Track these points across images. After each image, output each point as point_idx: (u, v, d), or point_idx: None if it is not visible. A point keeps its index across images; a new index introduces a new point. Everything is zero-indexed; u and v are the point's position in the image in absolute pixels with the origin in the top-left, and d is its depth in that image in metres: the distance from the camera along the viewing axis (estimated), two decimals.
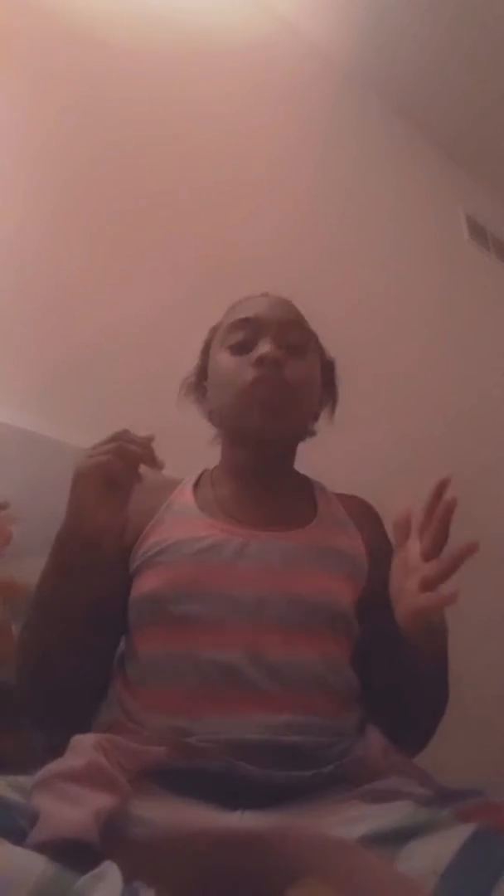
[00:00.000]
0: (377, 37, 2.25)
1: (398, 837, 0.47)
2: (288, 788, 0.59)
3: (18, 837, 0.44)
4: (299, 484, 0.91)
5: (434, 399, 2.07)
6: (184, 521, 0.80)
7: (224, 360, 0.85)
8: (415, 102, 2.47)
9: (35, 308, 1.31)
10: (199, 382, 0.94)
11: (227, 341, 0.86)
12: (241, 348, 0.84)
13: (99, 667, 0.75)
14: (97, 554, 0.66)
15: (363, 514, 0.89)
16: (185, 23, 1.90)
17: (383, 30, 2.23)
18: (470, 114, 2.52)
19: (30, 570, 0.75)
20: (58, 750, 0.55)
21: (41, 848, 0.43)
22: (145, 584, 0.75)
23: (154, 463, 0.66)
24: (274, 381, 0.80)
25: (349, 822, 0.51)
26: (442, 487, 0.65)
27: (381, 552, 0.81)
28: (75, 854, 0.42)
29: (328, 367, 0.95)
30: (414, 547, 0.65)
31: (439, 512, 0.64)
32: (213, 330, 0.94)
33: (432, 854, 0.45)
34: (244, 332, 0.85)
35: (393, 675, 0.73)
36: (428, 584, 0.61)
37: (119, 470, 0.65)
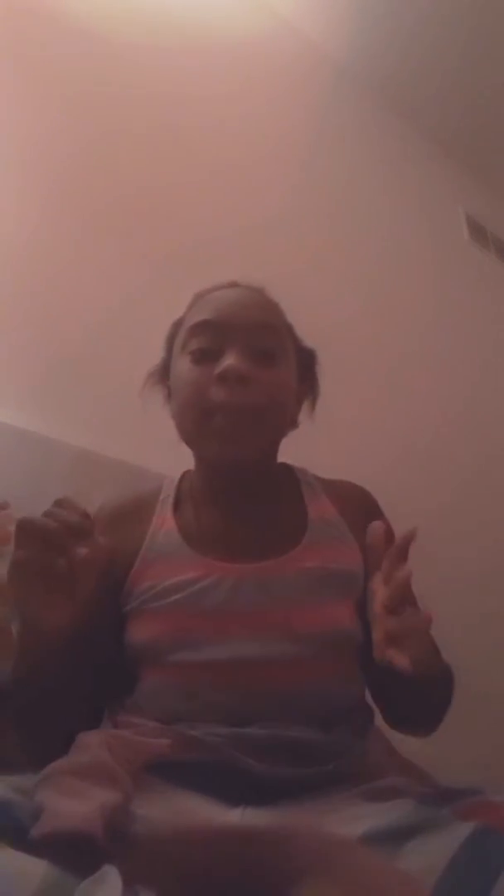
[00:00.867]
0: (375, 34, 2.26)
1: (398, 836, 0.47)
2: (290, 785, 0.59)
3: (20, 836, 0.44)
4: (284, 489, 0.83)
5: (434, 399, 2.07)
6: (172, 559, 0.74)
7: (184, 369, 0.76)
8: (414, 101, 2.47)
9: (33, 307, 1.31)
10: (164, 380, 0.85)
11: (189, 346, 0.77)
12: (203, 356, 0.75)
13: (91, 703, 0.72)
14: (67, 645, 0.60)
15: (356, 507, 0.82)
16: (181, 19, 1.90)
17: (381, 26, 2.23)
18: (470, 113, 2.52)
19: None
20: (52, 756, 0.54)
21: (44, 840, 0.43)
22: (140, 632, 0.72)
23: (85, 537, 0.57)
24: (236, 408, 0.71)
25: (350, 820, 0.51)
26: (408, 541, 0.62)
27: None
28: (78, 849, 0.42)
29: (307, 359, 0.86)
30: (379, 590, 0.62)
31: (400, 577, 0.60)
32: (176, 325, 0.84)
33: (432, 852, 0.45)
34: (207, 338, 0.75)
35: (386, 685, 0.73)
36: (393, 640, 0.59)
37: (44, 560, 0.56)
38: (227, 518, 0.78)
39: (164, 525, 0.78)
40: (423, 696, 0.70)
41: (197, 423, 0.74)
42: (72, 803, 0.46)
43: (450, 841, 0.45)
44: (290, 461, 0.88)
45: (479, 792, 0.51)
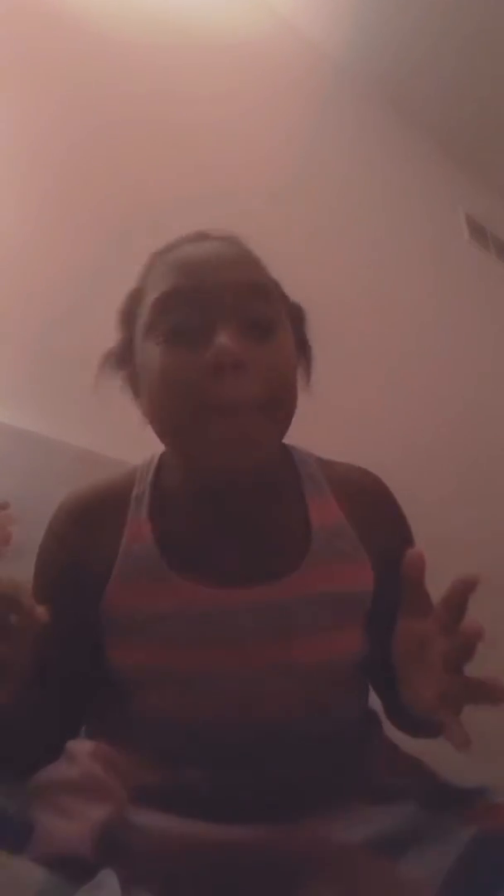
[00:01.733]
0: (374, 33, 2.25)
1: (401, 840, 0.47)
2: (290, 794, 0.57)
3: (20, 844, 0.44)
4: (284, 489, 0.68)
5: (434, 399, 2.07)
6: (151, 583, 0.62)
7: (159, 356, 0.58)
8: (413, 101, 2.47)
9: (33, 307, 1.31)
10: (124, 365, 0.70)
11: (158, 325, 0.59)
12: (181, 336, 0.58)
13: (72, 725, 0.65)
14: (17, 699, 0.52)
15: (367, 507, 0.68)
16: (180, 18, 1.90)
17: (380, 25, 2.23)
18: (470, 113, 2.52)
19: (30, 570, 0.75)
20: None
21: (38, 862, 0.42)
22: (121, 657, 0.63)
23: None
24: (243, 404, 0.56)
25: (352, 824, 0.50)
26: (468, 589, 0.50)
27: (391, 549, 0.63)
28: (72, 867, 0.42)
29: (296, 318, 0.69)
30: (436, 641, 0.51)
31: (471, 633, 0.49)
32: (134, 297, 0.68)
33: (435, 858, 0.44)
34: (184, 312, 0.58)
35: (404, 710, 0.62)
36: (450, 704, 0.49)
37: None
38: (215, 530, 0.64)
39: (139, 535, 0.64)
40: None
41: (188, 425, 0.58)
42: (62, 824, 0.46)
43: (454, 846, 0.44)
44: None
45: (485, 791, 0.51)
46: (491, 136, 2.61)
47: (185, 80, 1.82)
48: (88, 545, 0.64)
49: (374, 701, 0.74)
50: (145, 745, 0.58)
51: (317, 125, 2.18)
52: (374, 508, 0.69)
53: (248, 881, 0.45)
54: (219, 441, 0.56)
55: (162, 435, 0.63)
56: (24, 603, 0.48)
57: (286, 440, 0.67)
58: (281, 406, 0.60)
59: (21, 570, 0.95)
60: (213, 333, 0.56)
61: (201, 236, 0.66)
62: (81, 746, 0.55)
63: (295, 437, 0.78)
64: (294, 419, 0.63)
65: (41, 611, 0.48)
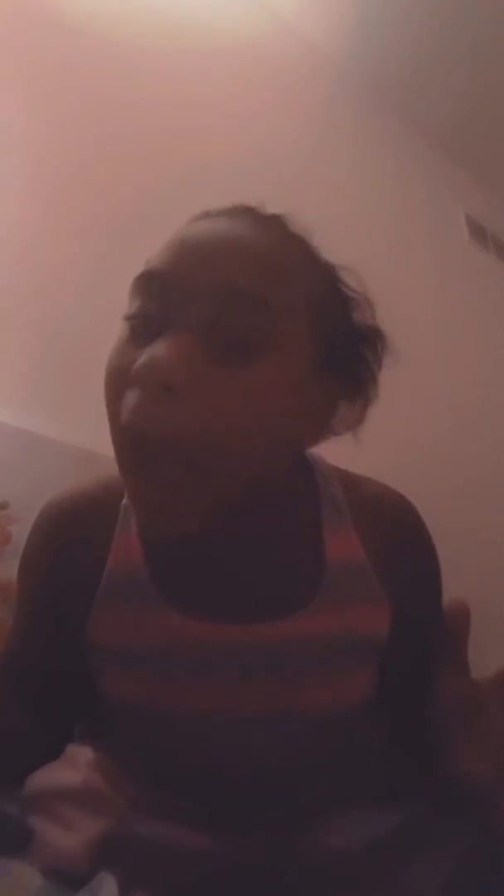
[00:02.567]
0: (375, 35, 2.25)
1: (403, 843, 0.47)
2: (290, 803, 0.55)
3: (19, 848, 0.44)
4: (297, 515, 0.58)
5: (434, 399, 2.07)
6: (139, 613, 0.53)
7: (114, 345, 0.50)
8: (414, 102, 2.47)
9: (33, 307, 1.31)
10: None
11: (129, 309, 0.50)
12: (138, 329, 0.48)
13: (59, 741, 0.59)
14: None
15: (389, 539, 0.59)
16: (181, 19, 1.90)
17: (381, 28, 2.22)
18: (470, 113, 2.52)
19: None
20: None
21: (36, 868, 0.43)
22: (108, 685, 0.56)
23: None
24: (151, 442, 0.43)
25: (353, 827, 0.50)
26: None
27: (415, 584, 0.59)
28: (68, 876, 0.42)
29: (360, 341, 0.59)
30: (491, 709, 0.46)
31: None
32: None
33: (437, 861, 0.44)
34: (149, 299, 0.48)
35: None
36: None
37: None
38: (215, 557, 0.54)
39: (127, 555, 0.55)
40: None
41: (116, 448, 0.46)
42: (60, 835, 0.46)
43: (455, 850, 0.44)
44: None
45: (485, 793, 0.50)
46: (491, 136, 2.61)
47: (187, 83, 1.82)
48: (69, 564, 0.56)
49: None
50: (135, 770, 0.54)
51: (318, 127, 2.18)
52: (399, 539, 0.60)
53: (245, 886, 0.45)
54: (133, 490, 0.46)
55: None
56: None
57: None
58: (222, 466, 0.44)
59: None
60: (161, 335, 0.45)
61: (208, 216, 0.55)
62: (81, 754, 0.54)
63: None
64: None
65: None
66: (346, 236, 2.37)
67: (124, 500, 0.56)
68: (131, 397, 0.44)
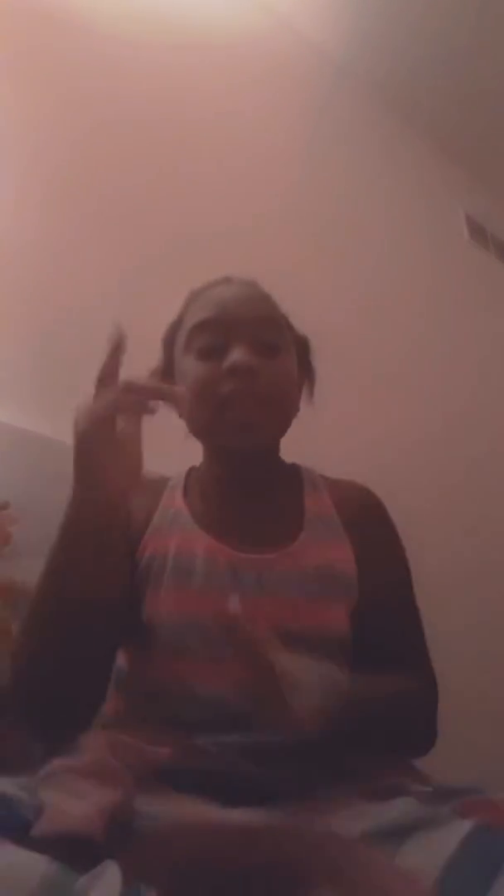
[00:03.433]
0: (374, 33, 2.25)
1: (399, 834, 0.48)
2: (291, 786, 0.59)
3: (23, 832, 0.44)
4: (286, 482, 0.87)
5: (433, 399, 2.07)
6: (180, 531, 0.79)
7: (192, 367, 0.79)
8: (414, 101, 2.47)
9: (33, 307, 1.32)
10: (166, 380, 0.86)
11: (194, 344, 0.80)
12: (209, 353, 0.78)
13: (101, 677, 0.71)
14: (111, 535, 0.65)
15: (355, 505, 0.85)
16: (180, 17, 1.90)
17: (380, 25, 2.23)
18: (470, 113, 2.52)
19: (30, 570, 0.75)
20: (55, 752, 0.54)
21: (44, 839, 0.43)
22: (152, 605, 0.74)
23: (172, 396, 0.64)
24: (248, 398, 0.75)
25: (351, 818, 0.51)
26: None
27: (373, 555, 0.80)
28: (78, 849, 0.42)
29: (302, 347, 0.89)
30: None
31: None
32: (175, 326, 0.87)
33: (432, 850, 0.45)
34: (211, 335, 0.79)
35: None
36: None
37: (128, 425, 0.64)
38: (230, 507, 0.82)
39: (173, 504, 0.83)
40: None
41: (211, 416, 0.77)
42: (72, 803, 0.47)
43: (450, 839, 0.45)
44: (291, 456, 0.89)
45: (479, 791, 0.51)
46: (491, 136, 2.62)
47: (184, 79, 1.82)
48: (134, 506, 0.77)
49: None
50: (161, 710, 0.69)
51: (316, 125, 2.18)
52: (360, 507, 0.85)
53: (248, 872, 0.45)
54: (230, 425, 0.76)
55: (191, 427, 0.82)
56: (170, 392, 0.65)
57: (291, 454, 0.88)
58: (280, 405, 0.80)
59: (21, 570, 0.96)
60: (231, 350, 0.77)
61: (227, 281, 0.86)
62: (93, 737, 0.57)
63: (297, 435, 0.85)
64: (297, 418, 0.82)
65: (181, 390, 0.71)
66: (346, 236, 2.37)
67: (170, 483, 0.87)
68: (233, 382, 0.75)
